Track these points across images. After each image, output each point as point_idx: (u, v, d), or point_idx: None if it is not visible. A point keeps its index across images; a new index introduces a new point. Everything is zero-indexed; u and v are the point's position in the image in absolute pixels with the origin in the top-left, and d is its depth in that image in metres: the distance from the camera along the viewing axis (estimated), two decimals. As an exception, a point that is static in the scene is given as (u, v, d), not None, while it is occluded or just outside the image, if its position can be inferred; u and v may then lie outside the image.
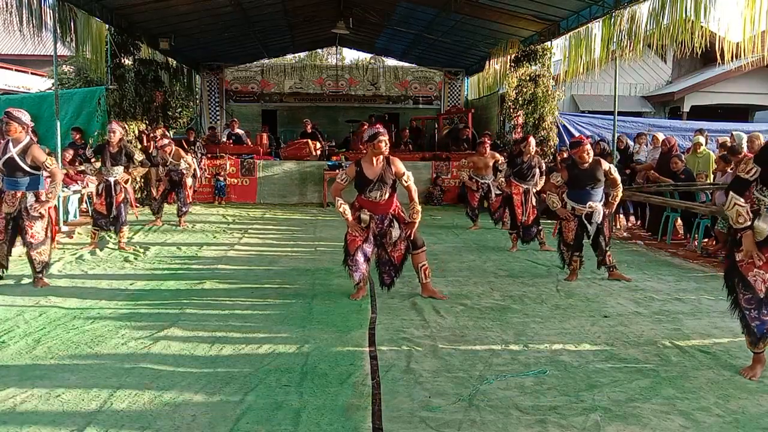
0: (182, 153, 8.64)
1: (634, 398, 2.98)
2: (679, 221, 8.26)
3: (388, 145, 4.64)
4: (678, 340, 3.89)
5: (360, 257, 4.69)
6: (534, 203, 7.03)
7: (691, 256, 7.02)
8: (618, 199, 5.52)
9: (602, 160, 5.41)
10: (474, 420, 2.74)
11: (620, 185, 5.48)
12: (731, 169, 7.04)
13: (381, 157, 4.61)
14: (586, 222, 5.44)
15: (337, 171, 11.42)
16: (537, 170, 7.08)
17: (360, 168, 4.64)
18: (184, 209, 8.63)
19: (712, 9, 6.77)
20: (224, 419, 2.71)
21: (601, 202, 5.44)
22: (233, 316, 4.30)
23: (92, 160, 6.88)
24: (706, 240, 7.55)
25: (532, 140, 7.18)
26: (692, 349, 3.71)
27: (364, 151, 4.75)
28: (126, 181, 6.87)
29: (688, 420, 2.76)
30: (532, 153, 7.08)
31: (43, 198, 4.97)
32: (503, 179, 7.42)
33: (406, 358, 3.50)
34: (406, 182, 4.70)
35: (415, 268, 4.89)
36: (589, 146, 5.39)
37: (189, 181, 8.70)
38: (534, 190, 7.06)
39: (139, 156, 7.00)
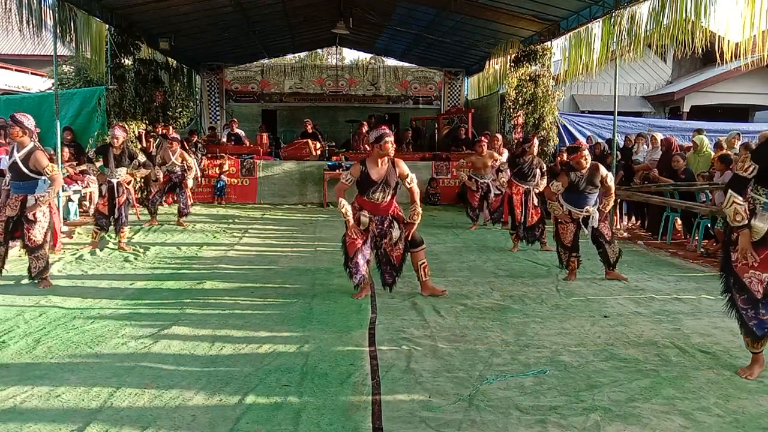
0: (186, 155, 8.66)
1: (634, 398, 2.98)
2: (679, 221, 8.26)
3: (394, 146, 4.63)
4: (678, 340, 3.89)
5: (360, 260, 4.72)
6: (536, 203, 7.04)
7: (691, 256, 7.02)
8: (609, 207, 5.52)
9: (600, 166, 5.41)
10: (474, 420, 2.74)
11: (613, 194, 5.51)
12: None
13: (386, 158, 4.61)
14: (582, 225, 5.49)
15: (338, 171, 11.49)
16: (538, 170, 7.08)
17: (365, 168, 4.64)
18: (185, 210, 8.64)
19: (712, 9, 6.78)
20: (224, 419, 2.71)
21: (596, 206, 5.47)
22: (233, 316, 4.30)
23: (95, 160, 6.91)
24: (706, 240, 7.55)
25: (536, 141, 7.19)
26: (692, 349, 3.71)
27: (370, 152, 4.74)
28: (128, 183, 6.89)
29: (688, 420, 2.76)
30: (535, 153, 7.09)
31: (40, 200, 4.94)
32: (504, 180, 7.42)
33: (406, 358, 3.50)
34: (409, 184, 4.70)
35: (415, 266, 4.91)
36: (587, 152, 5.40)
37: (189, 182, 8.69)
38: (536, 191, 7.06)
39: (141, 157, 7.01)
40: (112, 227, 6.82)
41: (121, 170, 6.73)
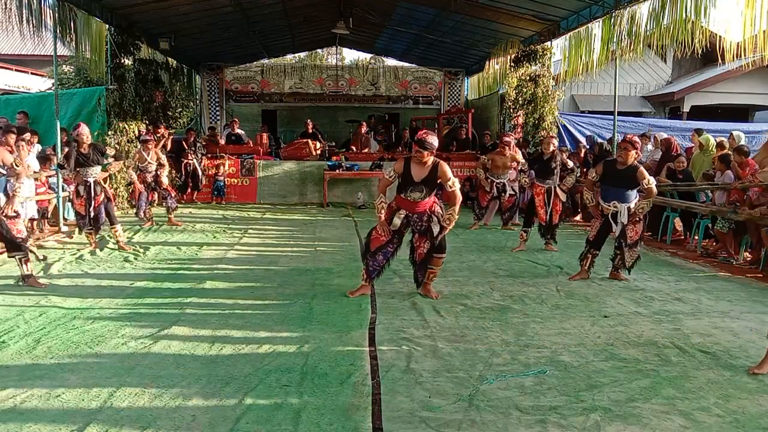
0: (160, 153, 8.61)
1: (634, 398, 2.99)
2: (679, 221, 8.26)
3: (427, 153, 4.50)
4: (678, 340, 3.89)
5: (380, 257, 4.79)
6: (563, 199, 7.12)
7: (691, 256, 7.02)
8: (642, 210, 5.42)
9: (641, 168, 5.33)
10: (474, 420, 2.74)
11: (651, 198, 5.40)
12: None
13: (431, 160, 4.60)
14: (612, 221, 5.47)
15: (337, 171, 11.51)
16: (558, 168, 7.10)
17: (408, 166, 4.65)
18: (171, 204, 8.58)
19: (712, 9, 6.79)
20: (224, 419, 2.71)
21: (629, 205, 5.40)
22: (233, 316, 4.30)
23: (65, 165, 6.71)
24: (706, 240, 7.55)
25: (553, 141, 7.21)
26: (692, 349, 3.71)
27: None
28: (105, 180, 6.84)
29: (688, 420, 2.77)
30: (551, 152, 7.08)
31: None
32: (527, 180, 7.42)
33: (406, 358, 3.50)
34: (450, 188, 4.67)
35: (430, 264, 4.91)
36: (636, 152, 5.30)
37: (164, 179, 8.63)
38: (561, 188, 7.11)
39: (110, 151, 6.95)
40: (106, 227, 6.80)
41: (95, 169, 6.63)
